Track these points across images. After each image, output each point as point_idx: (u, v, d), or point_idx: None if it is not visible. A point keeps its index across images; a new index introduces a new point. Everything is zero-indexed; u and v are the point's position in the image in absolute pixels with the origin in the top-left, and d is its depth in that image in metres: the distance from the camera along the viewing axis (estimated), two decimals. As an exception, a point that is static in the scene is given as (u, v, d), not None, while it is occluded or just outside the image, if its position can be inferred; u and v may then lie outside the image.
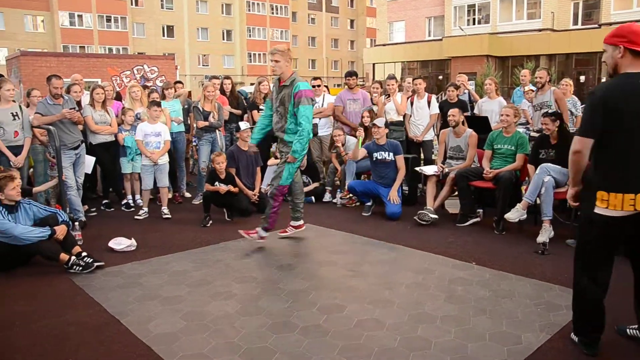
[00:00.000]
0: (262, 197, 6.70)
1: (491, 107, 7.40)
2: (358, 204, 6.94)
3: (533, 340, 3.14)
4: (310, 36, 55.73)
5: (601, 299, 2.93)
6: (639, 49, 2.73)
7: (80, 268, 4.39)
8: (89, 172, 6.55)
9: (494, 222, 5.67)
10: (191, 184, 8.31)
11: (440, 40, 32.14)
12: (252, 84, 20.82)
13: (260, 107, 7.42)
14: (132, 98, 7.18)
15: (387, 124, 7.14)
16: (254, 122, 7.67)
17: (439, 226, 5.85)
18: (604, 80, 27.52)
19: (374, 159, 6.51)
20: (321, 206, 7.08)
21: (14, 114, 5.75)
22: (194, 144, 8.35)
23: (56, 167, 5.83)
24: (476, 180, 5.92)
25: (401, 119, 7.58)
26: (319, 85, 7.91)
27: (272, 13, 51.05)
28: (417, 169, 6.79)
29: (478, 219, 6.00)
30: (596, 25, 28.04)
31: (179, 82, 9.15)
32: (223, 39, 48.77)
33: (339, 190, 7.35)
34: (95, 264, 4.47)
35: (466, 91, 8.48)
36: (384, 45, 37.61)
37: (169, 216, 6.38)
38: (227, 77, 8.49)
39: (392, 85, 7.64)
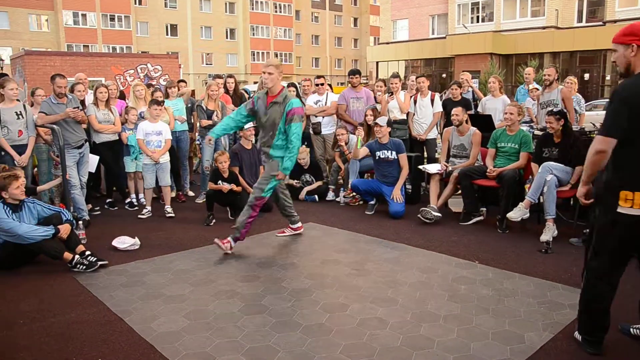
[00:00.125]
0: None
1: (495, 105, 7.38)
2: (361, 202, 6.94)
3: (536, 340, 3.13)
4: (313, 34, 55.71)
5: (612, 300, 2.91)
6: None
7: (84, 267, 4.40)
8: (93, 171, 6.57)
9: (497, 220, 5.66)
10: (195, 182, 8.33)
11: (444, 38, 32.08)
12: (255, 83, 20.86)
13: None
14: (136, 97, 7.19)
15: (391, 123, 7.13)
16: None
17: (442, 225, 5.85)
18: (608, 78, 27.50)
19: (377, 157, 6.50)
20: (324, 205, 7.08)
21: (18, 113, 5.77)
22: (198, 142, 8.37)
23: (60, 166, 5.85)
24: (479, 178, 5.91)
25: (404, 117, 7.57)
26: (322, 84, 7.92)
27: (276, 11, 51.05)
28: (420, 167, 6.78)
29: (481, 218, 5.99)
30: (601, 23, 27.94)
31: (182, 80, 9.16)
32: (226, 38, 48.82)
33: (342, 188, 7.35)
34: (99, 262, 4.48)
35: (470, 89, 8.46)
36: (387, 43, 37.56)
37: (173, 215, 6.39)
38: (231, 76, 8.50)
39: (396, 83, 7.63)
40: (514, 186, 5.64)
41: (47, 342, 3.18)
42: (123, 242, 5.10)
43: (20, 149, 5.77)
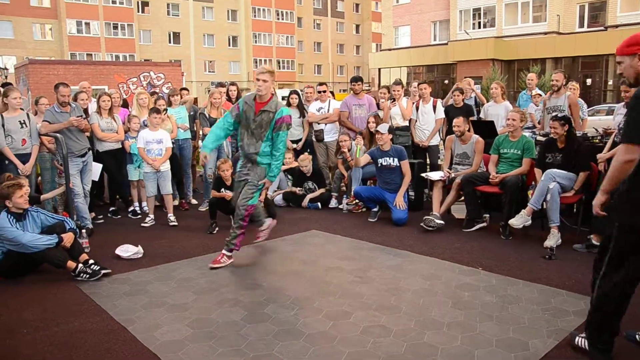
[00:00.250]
0: (268, 203, 6.71)
1: (497, 111, 7.38)
2: (364, 209, 6.93)
3: (540, 347, 3.12)
4: (315, 41, 55.89)
5: (626, 309, 2.89)
6: None
7: (87, 275, 4.40)
8: (96, 179, 6.59)
9: (501, 227, 5.65)
10: (197, 190, 8.34)
11: (446, 44, 32.14)
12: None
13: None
14: (140, 105, 7.21)
15: (393, 129, 7.14)
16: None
17: (446, 231, 5.84)
18: (610, 83, 27.42)
19: (379, 165, 6.51)
20: (327, 212, 7.08)
21: (22, 122, 5.80)
22: (200, 149, 8.39)
23: (64, 174, 5.87)
24: (482, 185, 5.90)
25: (407, 124, 7.57)
26: (324, 91, 7.94)
27: (278, 19, 51.26)
28: (423, 174, 6.78)
29: (484, 224, 5.98)
30: (602, 28, 27.96)
31: (185, 89, 9.20)
32: (229, 45, 49.02)
33: (345, 196, 7.35)
34: (102, 271, 4.48)
35: (473, 95, 8.46)
36: (389, 50, 37.66)
37: (176, 223, 6.40)
38: (233, 84, 8.52)
39: (398, 90, 7.63)
40: (516, 192, 5.63)
41: (50, 351, 3.18)
42: (126, 250, 5.10)
43: (24, 157, 5.80)
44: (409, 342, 3.20)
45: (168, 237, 5.86)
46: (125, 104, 8.19)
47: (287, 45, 52.28)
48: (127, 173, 7.01)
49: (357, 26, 59.74)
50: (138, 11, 43.36)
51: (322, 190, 7.42)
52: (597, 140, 5.98)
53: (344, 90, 41.37)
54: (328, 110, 7.80)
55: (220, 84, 8.44)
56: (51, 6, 39.74)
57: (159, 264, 4.87)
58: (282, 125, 4.78)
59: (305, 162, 7.37)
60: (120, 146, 6.84)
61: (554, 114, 6.31)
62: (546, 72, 25.49)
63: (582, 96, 8.18)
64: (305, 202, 7.28)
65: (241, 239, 4.91)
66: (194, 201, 7.73)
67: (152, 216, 6.53)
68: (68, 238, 4.58)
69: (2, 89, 6.21)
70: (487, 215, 6.09)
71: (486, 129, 6.69)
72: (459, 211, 6.39)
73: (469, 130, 6.35)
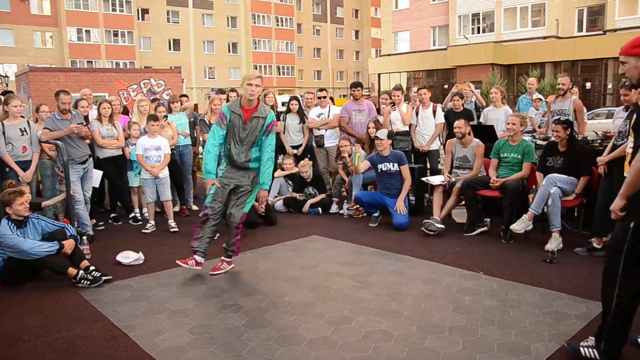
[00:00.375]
0: (269, 209, 6.72)
1: (497, 115, 7.39)
2: (365, 214, 6.93)
3: (542, 350, 3.11)
4: (315, 47, 56.05)
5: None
6: None
7: (88, 282, 4.40)
8: (97, 186, 6.59)
9: (501, 231, 5.65)
10: (199, 196, 8.34)
11: (445, 49, 32.24)
12: (258, 96, 20.93)
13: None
14: (141, 112, 7.22)
15: (393, 134, 7.15)
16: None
17: (446, 236, 5.84)
18: (610, 87, 27.46)
19: (379, 170, 6.51)
20: (328, 217, 7.08)
21: (23, 129, 5.82)
22: (201, 156, 8.40)
23: (64, 181, 5.88)
24: (483, 189, 5.91)
25: (407, 128, 7.58)
26: (324, 97, 7.95)
27: (278, 25, 51.44)
28: (423, 179, 6.78)
29: (485, 228, 5.98)
30: (601, 32, 28.04)
31: (185, 95, 9.22)
32: (229, 52, 49.16)
33: (345, 201, 7.35)
34: (103, 277, 4.48)
35: (473, 100, 8.48)
36: (389, 55, 37.78)
37: (176, 229, 6.40)
38: (233, 90, 8.55)
39: (398, 95, 7.65)
40: (517, 196, 5.63)
41: (51, 358, 3.18)
42: (127, 257, 5.11)
43: (25, 164, 5.81)
44: (410, 347, 3.20)
45: (169, 244, 5.86)
46: (125, 111, 8.21)
47: (286, 52, 52.43)
48: (128, 179, 7.02)
49: (357, 32, 59.92)
50: (138, 18, 43.52)
51: (323, 195, 7.42)
52: (596, 144, 5.98)
53: (344, 96, 41.42)
54: (328, 115, 7.81)
55: (221, 91, 8.45)
56: (52, 14, 39.91)
57: (160, 270, 4.87)
58: (273, 129, 4.77)
59: (306, 168, 7.37)
60: (121, 153, 6.85)
61: (556, 117, 6.29)
62: (545, 77, 25.57)
63: (581, 100, 8.18)
64: (305, 207, 7.29)
65: (239, 245, 4.89)
66: (194, 207, 7.73)
67: (152, 222, 6.54)
68: (69, 245, 4.58)
69: (2, 97, 6.22)
70: (488, 220, 6.09)
71: (486, 134, 6.70)
72: (460, 215, 6.39)
73: (469, 134, 6.35)
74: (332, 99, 8.90)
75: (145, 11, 44.23)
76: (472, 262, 4.90)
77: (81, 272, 4.45)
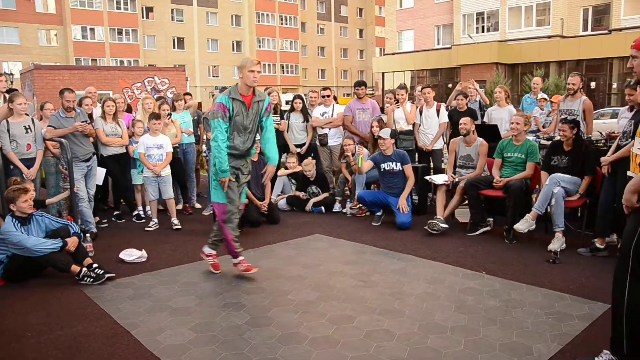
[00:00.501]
0: (272, 207, 6.73)
1: (501, 115, 7.37)
2: (368, 213, 6.93)
3: (544, 351, 3.11)
4: (319, 46, 56.03)
5: None
6: None
7: (91, 279, 4.42)
8: (100, 183, 6.61)
9: (504, 231, 5.63)
10: (202, 194, 8.36)
11: (450, 48, 32.18)
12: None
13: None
14: (145, 110, 7.24)
15: (397, 133, 7.14)
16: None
17: (449, 235, 5.83)
18: (615, 86, 27.29)
19: (382, 169, 6.50)
20: (331, 216, 7.08)
21: (27, 127, 5.84)
22: (204, 155, 8.41)
23: (68, 179, 5.90)
24: (486, 189, 5.89)
25: (410, 128, 7.58)
26: (328, 96, 7.95)
27: (282, 24, 51.44)
28: (426, 178, 6.77)
29: (488, 228, 5.97)
30: (606, 31, 27.92)
31: (188, 94, 9.23)
32: (233, 50, 49.19)
33: (348, 200, 7.35)
34: (106, 275, 4.50)
35: (477, 99, 8.46)
36: (393, 54, 37.72)
37: (180, 227, 6.41)
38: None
39: (402, 95, 7.64)
40: (520, 196, 5.62)
41: (54, 355, 3.19)
42: (130, 254, 5.12)
43: (29, 162, 5.83)
44: (412, 347, 3.20)
45: (172, 242, 5.87)
46: (129, 109, 8.22)
47: (290, 50, 52.43)
48: (131, 177, 7.03)
49: (361, 31, 59.86)
50: (142, 17, 43.60)
51: (326, 194, 7.42)
52: (601, 144, 5.96)
53: (348, 95, 41.37)
54: (332, 114, 7.81)
55: (224, 89, 8.45)
56: (56, 12, 40.04)
57: (163, 268, 4.89)
58: (270, 109, 4.76)
59: (309, 167, 7.37)
60: (125, 151, 6.87)
61: (564, 116, 6.23)
62: (550, 76, 25.49)
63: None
64: (308, 206, 7.29)
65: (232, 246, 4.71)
66: (198, 205, 7.74)
67: (155, 220, 6.55)
68: (72, 242, 4.60)
69: (7, 95, 6.25)
70: (491, 219, 6.08)
71: (490, 133, 6.68)
72: (463, 215, 6.38)
73: (473, 133, 6.34)
74: (335, 98, 8.90)
75: (149, 9, 44.30)
76: (474, 261, 4.89)
77: (84, 269, 4.46)
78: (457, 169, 6.44)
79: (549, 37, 29.59)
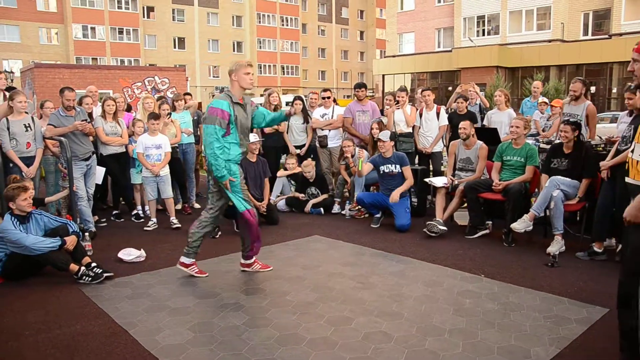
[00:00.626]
0: (271, 208, 6.73)
1: (500, 118, 7.37)
2: (367, 215, 6.93)
3: (542, 354, 3.11)
4: (320, 47, 56.06)
5: None
6: None
7: (90, 278, 4.42)
8: (99, 182, 6.61)
9: (503, 234, 5.64)
10: (201, 194, 8.36)
11: (450, 51, 32.21)
12: (261, 95, 20.99)
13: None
14: (145, 109, 7.24)
15: (396, 136, 7.15)
16: (263, 135, 7.72)
17: (448, 238, 5.83)
18: (614, 91, 27.32)
19: (381, 172, 6.50)
20: (330, 218, 7.08)
21: (27, 125, 5.84)
22: (204, 155, 8.42)
23: (67, 177, 5.90)
24: (485, 192, 5.90)
25: (410, 130, 7.58)
26: (328, 97, 7.96)
27: (282, 25, 51.47)
28: (426, 180, 6.77)
29: (487, 231, 5.97)
30: (606, 36, 27.97)
31: (188, 94, 9.23)
32: (233, 51, 49.20)
33: (347, 201, 7.35)
34: (105, 274, 4.50)
35: (477, 102, 8.47)
36: (393, 56, 37.75)
37: (179, 226, 6.41)
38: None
39: (403, 97, 7.65)
40: (519, 199, 5.62)
41: (52, 354, 3.19)
42: (129, 254, 5.12)
43: (28, 160, 5.83)
44: (410, 349, 3.20)
45: (170, 241, 5.87)
46: (129, 108, 8.23)
47: (291, 51, 52.45)
48: (131, 177, 7.03)
49: (362, 33, 59.91)
50: (143, 16, 43.61)
51: (325, 195, 7.42)
52: (600, 148, 5.96)
53: (348, 96, 41.39)
54: (332, 116, 7.82)
55: (225, 89, 8.45)
56: (57, 11, 40.04)
57: (161, 268, 4.88)
58: (254, 105, 4.78)
59: (309, 168, 7.37)
60: (124, 150, 6.87)
61: (566, 118, 6.21)
62: (550, 80, 25.53)
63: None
64: (308, 207, 7.29)
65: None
66: (197, 205, 7.74)
67: (154, 220, 6.55)
68: (71, 241, 4.59)
69: (7, 93, 6.25)
70: (490, 222, 6.09)
71: (489, 136, 6.69)
72: (462, 218, 6.39)
73: (473, 136, 6.34)
74: (335, 100, 8.90)
75: (150, 9, 44.32)
76: (473, 264, 4.89)
77: (83, 268, 4.46)
78: (456, 172, 6.45)
79: (550, 41, 29.64)
